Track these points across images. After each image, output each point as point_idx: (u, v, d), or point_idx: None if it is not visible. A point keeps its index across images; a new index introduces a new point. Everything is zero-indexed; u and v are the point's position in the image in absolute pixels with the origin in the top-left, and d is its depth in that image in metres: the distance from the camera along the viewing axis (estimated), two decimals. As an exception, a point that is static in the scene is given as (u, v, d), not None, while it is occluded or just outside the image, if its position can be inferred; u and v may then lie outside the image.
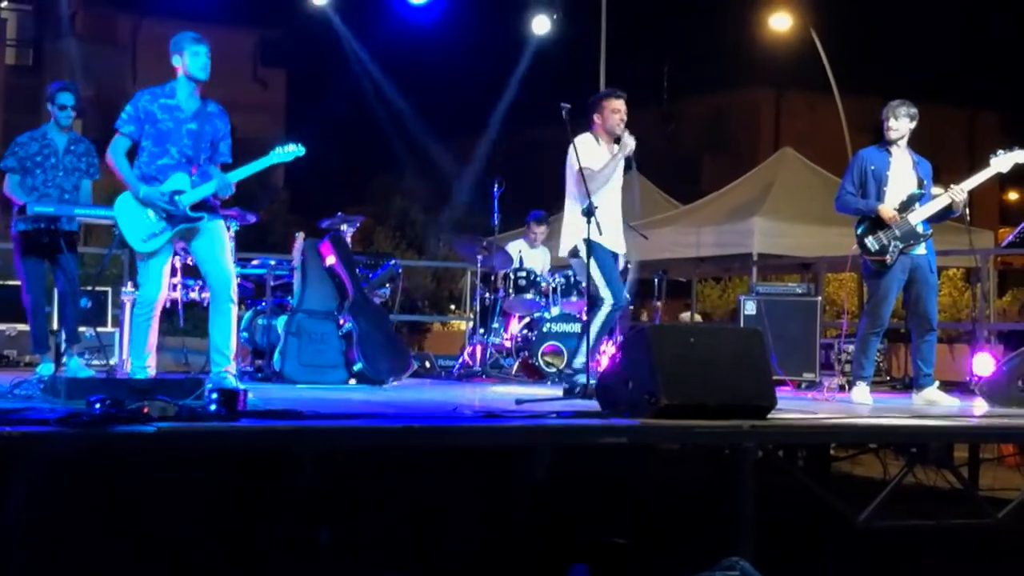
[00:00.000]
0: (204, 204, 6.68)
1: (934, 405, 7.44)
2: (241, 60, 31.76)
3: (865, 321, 7.87)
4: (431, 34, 20.73)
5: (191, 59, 6.63)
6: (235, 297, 6.72)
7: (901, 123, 7.78)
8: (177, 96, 6.68)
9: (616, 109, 7.49)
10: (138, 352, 6.80)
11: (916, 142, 7.98)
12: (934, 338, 7.80)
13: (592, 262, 7.31)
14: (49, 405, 5.03)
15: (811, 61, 18.82)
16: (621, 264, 7.84)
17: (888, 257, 7.65)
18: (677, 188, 19.14)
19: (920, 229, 7.69)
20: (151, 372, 6.84)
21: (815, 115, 28.05)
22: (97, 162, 7.90)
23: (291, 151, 6.95)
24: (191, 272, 7.80)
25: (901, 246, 7.64)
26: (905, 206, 7.67)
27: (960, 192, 7.66)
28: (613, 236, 7.52)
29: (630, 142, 7.43)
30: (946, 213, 7.76)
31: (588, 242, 7.15)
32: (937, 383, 7.71)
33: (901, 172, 7.80)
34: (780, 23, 19.35)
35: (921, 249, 7.74)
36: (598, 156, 7.46)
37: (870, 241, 7.70)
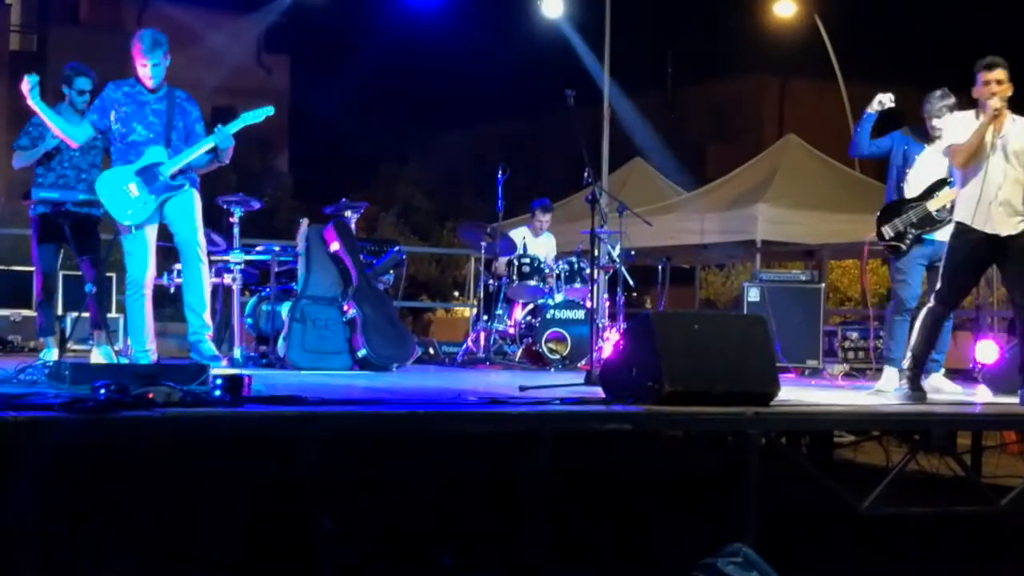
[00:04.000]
0: (183, 173, 7.03)
1: (939, 392, 7.43)
2: (245, 46, 31.69)
3: (891, 304, 7.93)
4: (436, 20, 20.69)
5: (140, 70, 7.04)
6: (204, 257, 7.08)
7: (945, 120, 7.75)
8: (139, 85, 7.09)
9: (986, 81, 6.70)
10: (137, 336, 6.91)
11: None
12: (948, 325, 7.77)
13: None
14: (54, 391, 5.03)
15: (815, 48, 18.82)
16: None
17: (903, 244, 7.68)
18: (681, 175, 19.14)
19: (935, 215, 7.68)
20: (153, 357, 6.92)
21: (819, 102, 27.99)
22: None
23: (261, 111, 7.26)
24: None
25: (915, 232, 7.66)
26: (929, 192, 7.69)
27: None
28: (981, 214, 6.72)
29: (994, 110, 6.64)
30: None
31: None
32: (943, 370, 7.71)
33: (932, 160, 7.77)
34: (784, 10, 19.32)
35: (944, 235, 7.72)
36: (968, 131, 6.78)
37: (886, 229, 7.73)
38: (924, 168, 7.78)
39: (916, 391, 6.73)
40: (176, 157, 6.97)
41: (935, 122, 7.74)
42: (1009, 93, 6.65)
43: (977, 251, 6.75)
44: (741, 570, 4.65)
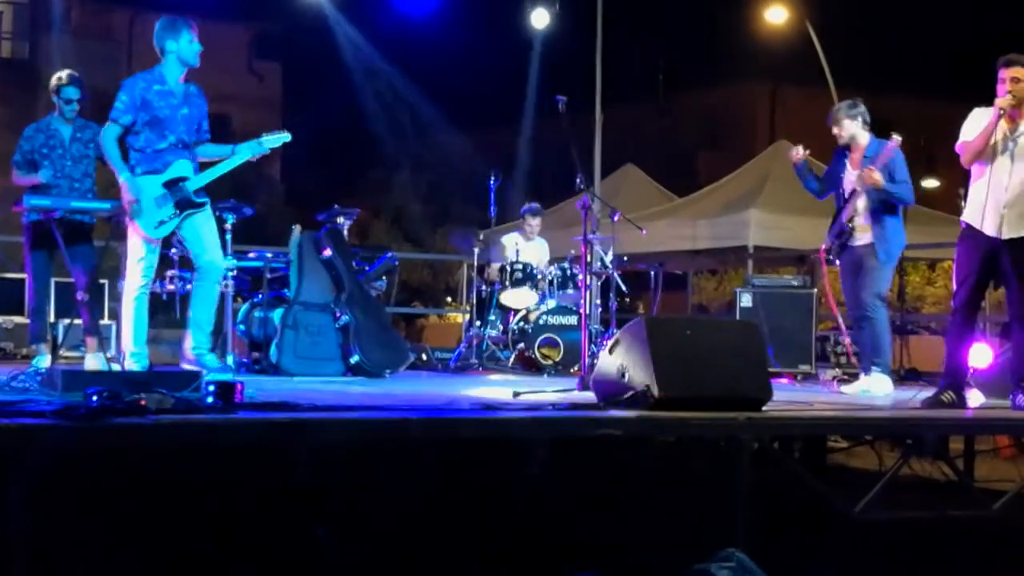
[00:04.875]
0: (204, 189, 6.99)
1: (868, 394, 7.59)
2: (236, 53, 31.68)
3: None
4: (428, 26, 20.70)
5: (187, 46, 6.88)
6: (222, 280, 7.11)
7: (845, 127, 7.97)
8: (168, 82, 6.90)
9: (1001, 78, 6.46)
10: (140, 336, 6.92)
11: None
12: (868, 325, 7.85)
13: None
14: (46, 398, 5.02)
15: (806, 55, 18.82)
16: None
17: (830, 255, 8.05)
18: (673, 181, 19.13)
19: (845, 224, 7.90)
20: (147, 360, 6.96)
21: (810, 109, 27.98)
22: None
23: (278, 137, 7.35)
24: (187, 264, 7.82)
25: (839, 242, 7.94)
26: (846, 204, 7.94)
27: (870, 174, 7.65)
28: (986, 216, 6.50)
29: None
30: (889, 196, 7.78)
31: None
32: (877, 370, 7.75)
33: (850, 172, 7.95)
34: (776, 17, 19.35)
35: (861, 240, 7.86)
36: (979, 129, 6.55)
37: (826, 240, 8.10)
38: (846, 180, 7.96)
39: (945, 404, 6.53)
40: (203, 175, 6.99)
41: (835, 130, 7.96)
42: None
43: (981, 254, 6.54)
44: (734, 575, 4.66)
